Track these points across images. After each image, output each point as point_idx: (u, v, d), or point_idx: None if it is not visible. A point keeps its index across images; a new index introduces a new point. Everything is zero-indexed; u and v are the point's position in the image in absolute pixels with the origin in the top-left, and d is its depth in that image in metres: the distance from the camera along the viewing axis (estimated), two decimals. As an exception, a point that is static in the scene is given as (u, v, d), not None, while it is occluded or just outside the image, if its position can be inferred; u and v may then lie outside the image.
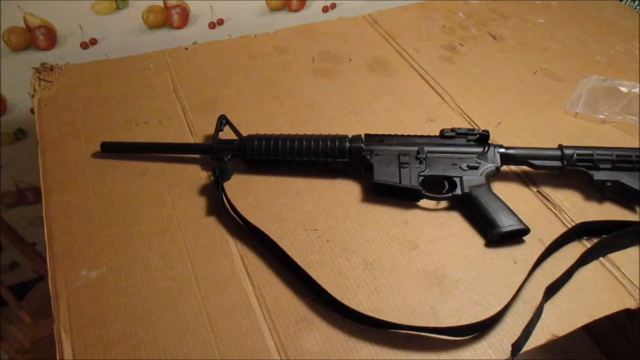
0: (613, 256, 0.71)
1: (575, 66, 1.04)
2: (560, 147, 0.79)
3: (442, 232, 0.73)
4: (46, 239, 0.70)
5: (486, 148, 0.78)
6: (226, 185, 0.76)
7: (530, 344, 0.61)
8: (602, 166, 0.77)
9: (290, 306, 0.64)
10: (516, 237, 0.72)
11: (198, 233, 0.71)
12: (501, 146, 0.79)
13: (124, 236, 0.71)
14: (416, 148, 0.78)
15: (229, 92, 0.94)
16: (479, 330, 0.61)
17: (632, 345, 1.39)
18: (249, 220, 0.71)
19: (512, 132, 0.88)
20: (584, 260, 0.69)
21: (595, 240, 0.72)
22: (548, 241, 0.71)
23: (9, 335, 1.04)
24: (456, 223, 0.74)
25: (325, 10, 1.27)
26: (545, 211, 0.76)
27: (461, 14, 1.17)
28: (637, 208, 0.77)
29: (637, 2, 1.25)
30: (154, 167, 0.80)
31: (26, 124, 1.16)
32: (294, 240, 0.71)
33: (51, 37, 1.05)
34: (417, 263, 0.69)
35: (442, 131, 0.80)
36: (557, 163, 0.78)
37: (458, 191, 0.75)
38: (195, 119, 0.88)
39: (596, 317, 0.64)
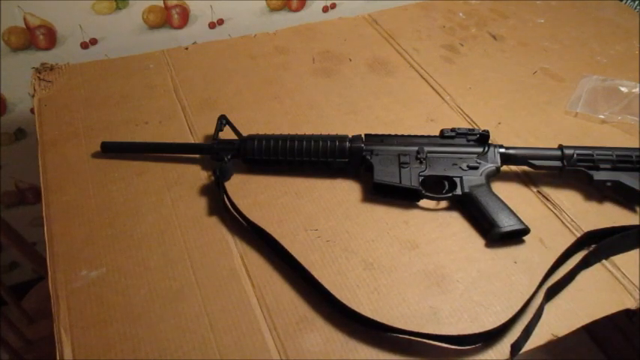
0: (613, 256, 0.71)
1: (575, 66, 1.04)
2: (561, 147, 0.79)
3: (442, 232, 0.73)
4: (46, 239, 0.70)
5: (486, 148, 0.78)
6: (226, 185, 0.76)
7: (530, 344, 0.61)
8: (602, 166, 0.77)
9: (290, 306, 0.64)
10: (516, 237, 0.72)
11: (198, 233, 0.71)
12: (501, 146, 0.79)
13: (124, 236, 0.71)
14: (416, 148, 0.78)
15: (229, 92, 0.94)
16: (483, 340, 0.61)
17: (632, 345, 1.39)
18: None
19: (512, 132, 0.89)
20: (586, 263, 0.69)
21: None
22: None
23: (9, 335, 1.03)
24: (456, 223, 0.74)
25: (325, 10, 1.27)
26: (545, 211, 0.76)
27: (461, 14, 1.17)
28: (637, 208, 0.77)
29: (637, 2, 1.25)
30: (153, 167, 0.80)
31: (26, 124, 1.16)
32: (294, 240, 0.71)
33: (51, 37, 1.05)
34: (417, 263, 0.69)
35: (442, 131, 0.80)
36: (558, 163, 0.78)
37: (458, 191, 0.75)
38: (195, 119, 0.88)
39: (596, 317, 0.64)
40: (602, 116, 0.91)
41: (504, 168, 0.79)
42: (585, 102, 0.93)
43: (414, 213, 0.75)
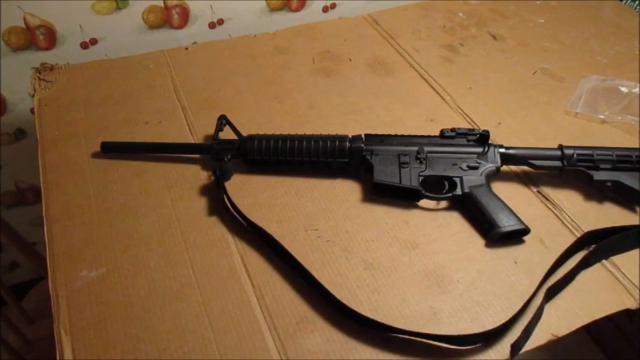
0: (613, 256, 0.71)
1: (575, 66, 1.04)
2: (560, 147, 0.79)
3: (442, 232, 0.73)
4: (46, 239, 0.70)
5: (486, 148, 0.78)
6: (226, 185, 0.76)
7: (530, 344, 0.61)
8: (602, 166, 0.77)
9: (290, 306, 0.64)
10: (516, 237, 0.72)
11: (198, 233, 0.71)
12: (501, 146, 0.79)
13: (124, 236, 0.71)
14: (416, 148, 0.78)
15: (229, 92, 0.94)
16: (483, 340, 0.61)
17: (632, 345, 1.39)
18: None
19: (512, 132, 0.88)
20: (586, 263, 0.69)
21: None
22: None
23: (9, 335, 1.03)
24: (456, 223, 0.74)
25: (325, 10, 1.27)
26: (545, 211, 0.76)
27: (461, 14, 1.17)
28: (637, 208, 0.77)
29: (637, 2, 1.25)
30: (153, 167, 0.80)
31: (26, 124, 1.16)
32: (294, 240, 0.71)
33: (51, 37, 1.05)
34: (417, 263, 0.69)
35: (442, 131, 0.80)
36: (557, 163, 0.78)
37: (458, 191, 0.75)
38: (195, 119, 0.88)
39: (596, 317, 0.64)
40: (602, 116, 0.91)
41: (504, 168, 0.79)
42: (585, 102, 0.93)
43: (414, 213, 0.75)
